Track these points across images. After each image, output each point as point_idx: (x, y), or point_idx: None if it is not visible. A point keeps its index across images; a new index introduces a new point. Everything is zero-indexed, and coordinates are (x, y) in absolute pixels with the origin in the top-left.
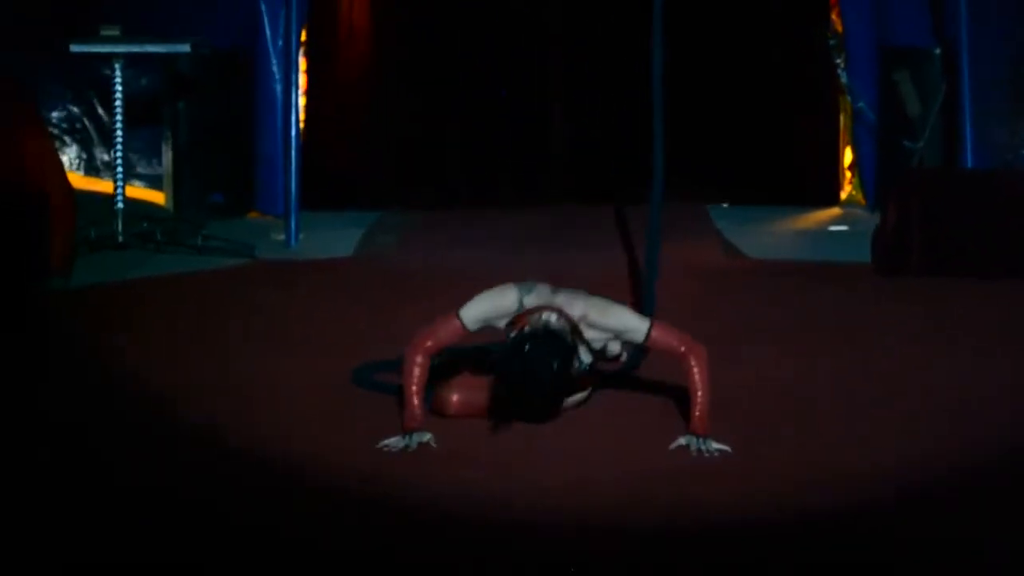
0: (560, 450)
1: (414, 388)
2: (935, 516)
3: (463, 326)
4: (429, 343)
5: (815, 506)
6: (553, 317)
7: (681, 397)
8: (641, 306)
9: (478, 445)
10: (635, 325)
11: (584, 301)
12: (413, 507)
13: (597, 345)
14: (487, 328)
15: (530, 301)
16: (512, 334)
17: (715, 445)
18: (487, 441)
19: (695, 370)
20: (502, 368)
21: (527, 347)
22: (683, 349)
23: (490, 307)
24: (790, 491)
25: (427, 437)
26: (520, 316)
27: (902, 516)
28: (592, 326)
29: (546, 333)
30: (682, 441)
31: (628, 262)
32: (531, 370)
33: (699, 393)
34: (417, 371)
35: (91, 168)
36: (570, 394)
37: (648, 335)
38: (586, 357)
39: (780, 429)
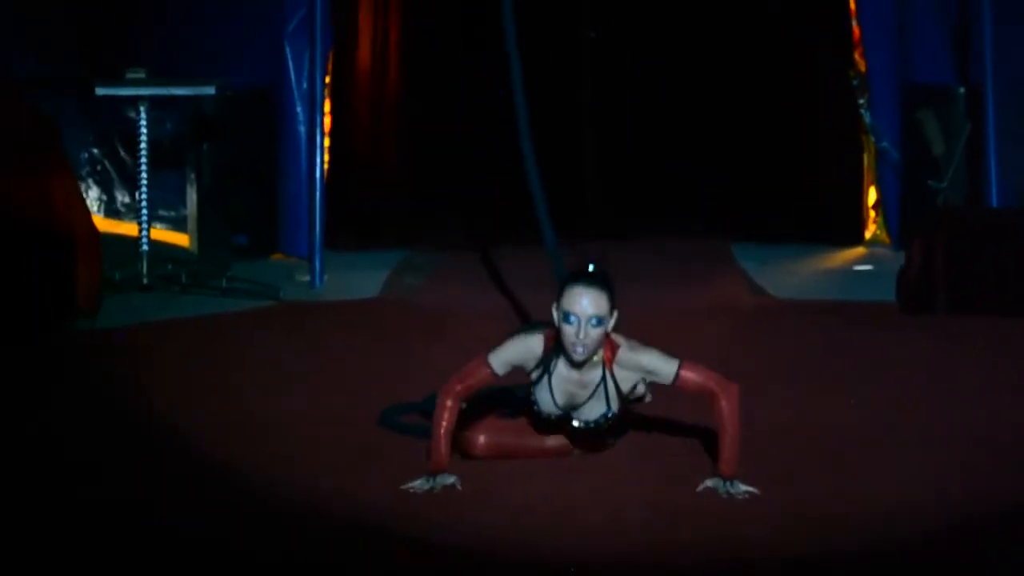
0: (587, 492)
1: (442, 431)
2: (967, 555)
3: (492, 371)
4: (459, 387)
5: (845, 547)
6: None
7: (710, 436)
8: None
9: (504, 487)
10: (664, 367)
11: (616, 336)
12: (438, 547)
13: (625, 387)
14: (516, 371)
15: None
16: None
17: (742, 487)
18: (513, 483)
19: (725, 410)
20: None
21: None
22: (713, 387)
23: (520, 352)
24: (819, 532)
25: (452, 480)
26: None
27: (935, 554)
28: (621, 366)
29: None
30: (709, 483)
31: (659, 302)
32: None
33: (728, 433)
34: (447, 415)
35: (111, 211)
36: (612, 432)
37: (677, 375)
38: (614, 403)
39: (808, 469)
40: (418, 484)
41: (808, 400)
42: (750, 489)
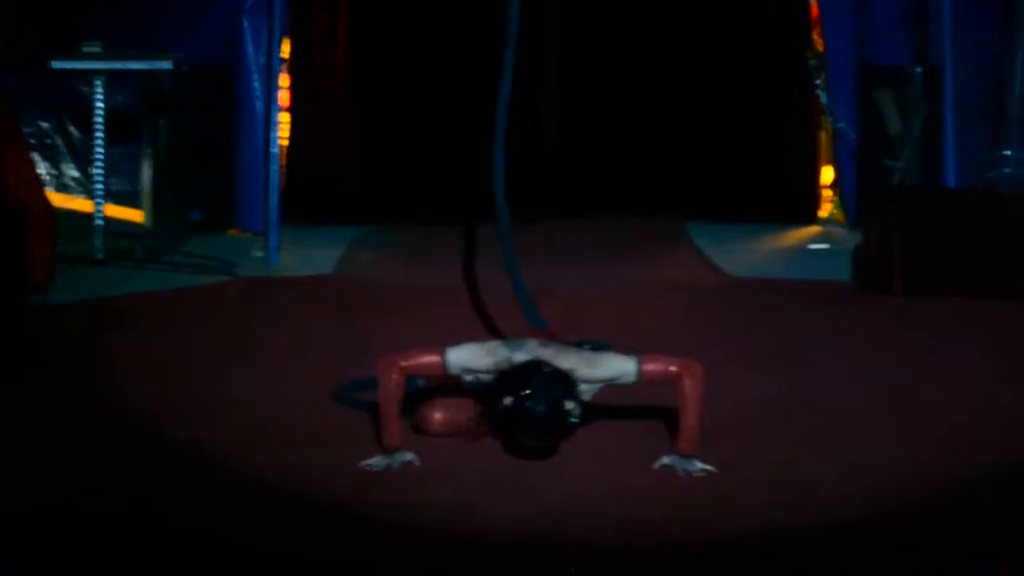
0: (546, 469)
1: (393, 408)
2: (923, 533)
3: (444, 364)
4: (404, 364)
5: (802, 524)
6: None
7: (669, 414)
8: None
9: (462, 464)
10: (625, 368)
11: (574, 355)
12: (399, 525)
13: (587, 397)
14: (466, 374)
15: (519, 358)
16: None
17: (699, 465)
18: (471, 460)
19: (688, 388)
20: (508, 413)
21: (529, 391)
22: (675, 370)
23: (477, 359)
24: (778, 510)
25: (410, 456)
26: None
27: (890, 533)
28: (582, 379)
29: (544, 377)
30: (666, 460)
31: (614, 280)
32: (540, 412)
33: (689, 411)
34: (394, 390)
35: (61, 185)
36: (566, 436)
37: (639, 373)
38: (577, 411)
39: (767, 447)
40: (376, 462)
41: (766, 378)
42: (707, 467)
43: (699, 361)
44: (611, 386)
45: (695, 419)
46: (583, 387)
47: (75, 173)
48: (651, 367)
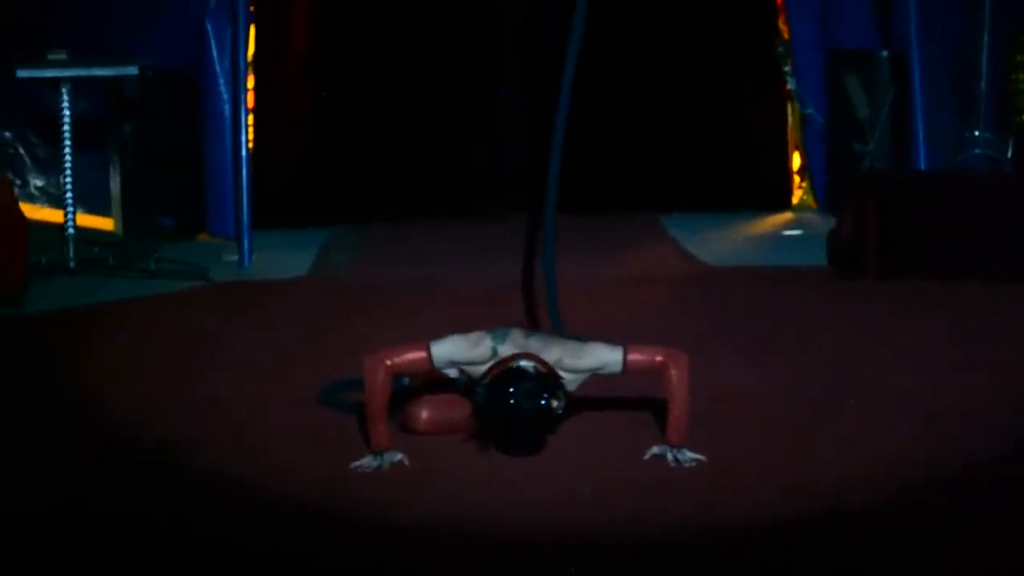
0: (534, 465)
1: (379, 407)
2: (911, 518)
3: (430, 359)
4: (389, 362)
5: (792, 513)
6: (530, 365)
7: (656, 405)
8: (550, 324)
9: (451, 463)
10: (610, 358)
11: (559, 346)
12: (390, 525)
13: (572, 387)
14: (452, 368)
15: (505, 350)
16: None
17: (690, 455)
18: (460, 458)
19: (675, 378)
20: (490, 409)
21: (512, 388)
22: (661, 359)
23: (463, 351)
24: (765, 497)
25: (399, 456)
26: (496, 366)
27: (878, 518)
28: (567, 370)
29: (527, 374)
30: (656, 451)
31: (591, 272)
32: (521, 410)
33: (677, 401)
34: (381, 389)
35: (25, 195)
36: (552, 431)
37: (625, 363)
38: (561, 403)
39: (750, 435)
40: (366, 463)
41: (746, 366)
42: (698, 456)
43: (683, 351)
44: (596, 376)
45: (683, 409)
46: (568, 377)
47: (39, 183)
48: (636, 357)
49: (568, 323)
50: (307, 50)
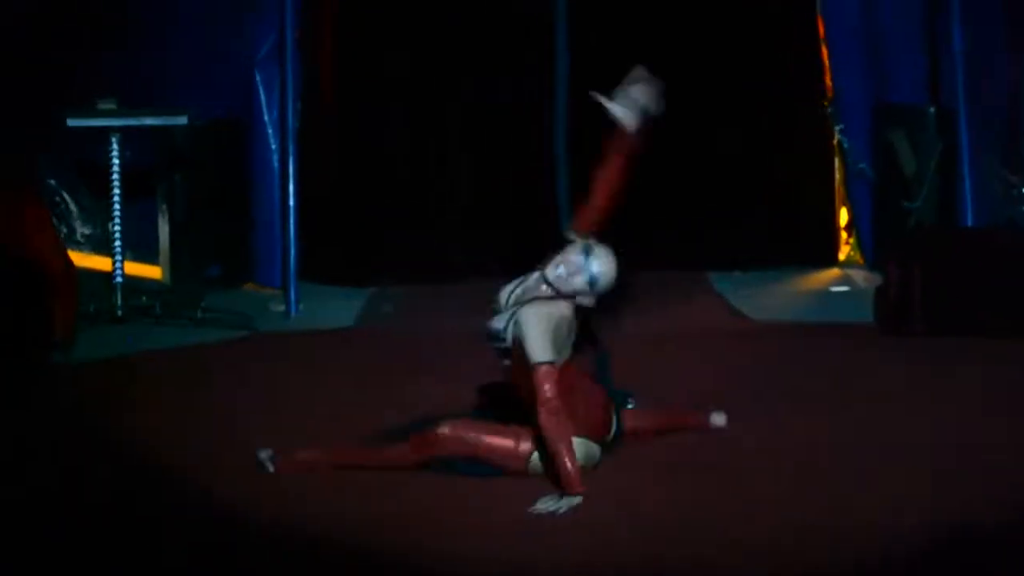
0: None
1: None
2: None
3: (552, 362)
4: (556, 402)
5: (833, 567)
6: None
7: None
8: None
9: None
10: (530, 351)
11: (527, 309)
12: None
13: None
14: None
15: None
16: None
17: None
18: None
19: (542, 420)
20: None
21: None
22: (538, 398)
23: (559, 327)
24: (807, 553)
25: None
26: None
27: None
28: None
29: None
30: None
31: (639, 328)
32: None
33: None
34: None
35: (71, 243)
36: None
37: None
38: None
39: (794, 490)
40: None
41: (792, 421)
42: (573, 501)
43: (550, 407)
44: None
45: (557, 457)
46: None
47: (86, 230)
48: (537, 377)
49: (615, 377)
50: (356, 104)
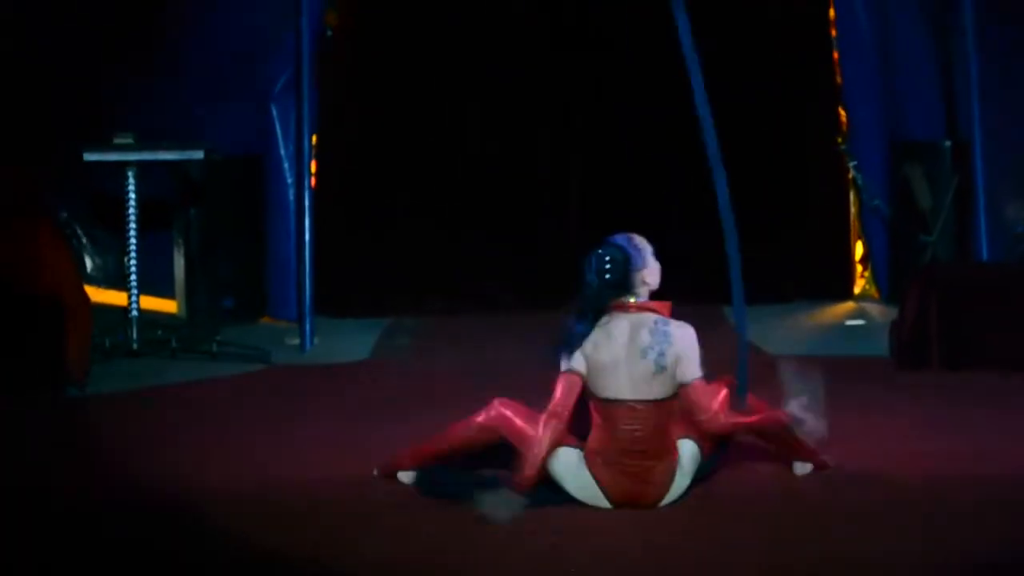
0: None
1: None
2: None
3: (579, 373)
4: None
5: None
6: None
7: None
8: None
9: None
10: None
11: None
12: None
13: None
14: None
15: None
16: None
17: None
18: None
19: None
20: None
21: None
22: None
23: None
24: None
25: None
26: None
27: None
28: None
29: None
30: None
31: None
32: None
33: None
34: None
35: (87, 278)
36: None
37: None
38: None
39: (812, 527)
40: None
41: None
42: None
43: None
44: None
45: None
46: None
47: (98, 263)
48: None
49: None
50: (372, 140)
